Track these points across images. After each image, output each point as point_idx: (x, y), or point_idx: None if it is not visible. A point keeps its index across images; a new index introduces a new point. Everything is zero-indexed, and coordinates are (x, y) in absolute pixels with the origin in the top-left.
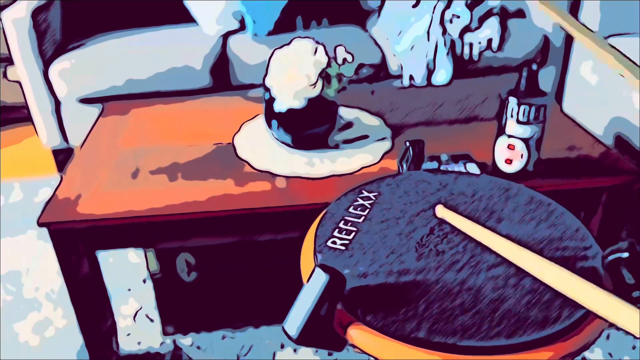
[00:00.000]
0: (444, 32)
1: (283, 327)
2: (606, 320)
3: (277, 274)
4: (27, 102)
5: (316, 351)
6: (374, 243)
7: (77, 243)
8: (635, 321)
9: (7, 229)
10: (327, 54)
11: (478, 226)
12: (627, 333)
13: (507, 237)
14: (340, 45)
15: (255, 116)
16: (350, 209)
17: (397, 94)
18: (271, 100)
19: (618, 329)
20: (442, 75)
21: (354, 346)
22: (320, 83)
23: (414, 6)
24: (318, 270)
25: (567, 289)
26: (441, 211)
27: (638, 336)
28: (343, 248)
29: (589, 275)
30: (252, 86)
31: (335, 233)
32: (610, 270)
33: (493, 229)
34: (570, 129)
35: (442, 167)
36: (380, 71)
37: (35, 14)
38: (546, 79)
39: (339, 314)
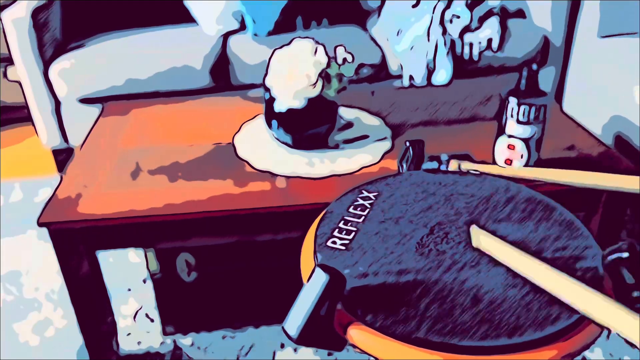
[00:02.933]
0: (444, 32)
1: (283, 327)
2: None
3: (277, 274)
4: (27, 102)
5: (316, 351)
6: (374, 243)
7: (77, 243)
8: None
9: (7, 229)
10: (327, 54)
11: (521, 255)
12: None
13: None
14: (340, 45)
15: (255, 116)
16: (350, 209)
17: (397, 94)
18: (271, 100)
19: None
20: (442, 75)
21: (354, 346)
22: (320, 83)
23: (414, 6)
24: (318, 270)
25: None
26: (478, 239)
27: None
28: (343, 248)
29: (590, 276)
30: (252, 86)
31: (335, 233)
32: (610, 270)
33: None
34: (570, 129)
35: (442, 167)
36: (380, 71)
37: (35, 14)
38: (546, 79)
39: (339, 314)
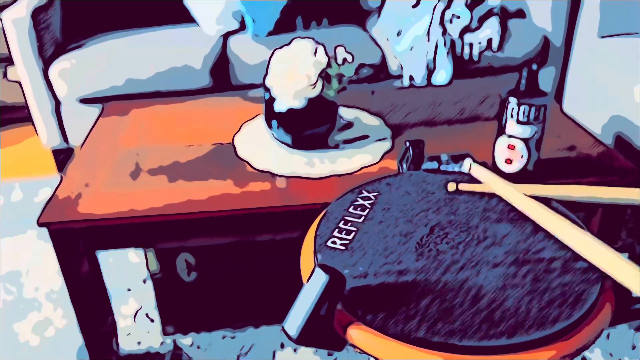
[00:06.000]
0: (444, 32)
1: (283, 327)
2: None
3: (277, 274)
4: (27, 102)
5: (316, 351)
6: (374, 243)
7: (77, 243)
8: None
9: (7, 229)
10: (327, 54)
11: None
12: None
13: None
14: (340, 45)
15: (255, 116)
16: (350, 209)
17: (397, 94)
18: (271, 100)
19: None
20: (442, 75)
21: (354, 346)
22: (320, 83)
23: (414, 6)
24: (318, 270)
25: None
26: (467, 165)
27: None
28: (343, 248)
29: (590, 277)
30: (252, 86)
31: (335, 233)
32: None
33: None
34: (570, 129)
35: (442, 167)
36: (380, 71)
37: (35, 14)
38: (546, 79)
39: (339, 314)
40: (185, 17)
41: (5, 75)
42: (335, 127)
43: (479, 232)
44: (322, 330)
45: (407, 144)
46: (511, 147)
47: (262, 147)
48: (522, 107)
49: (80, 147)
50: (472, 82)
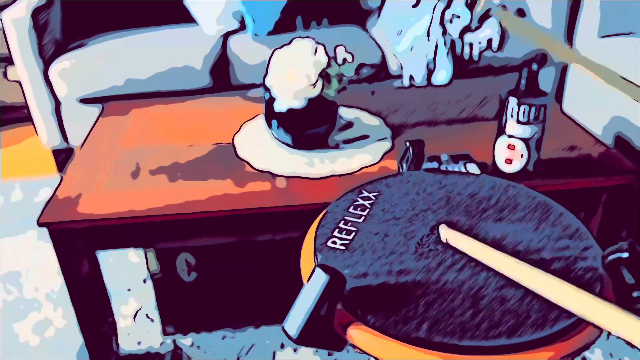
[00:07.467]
0: (444, 32)
1: (283, 327)
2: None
3: (277, 274)
4: (27, 102)
5: (316, 351)
6: (374, 243)
7: (77, 243)
8: (636, 330)
9: (7, 229)
10: (327, 54)
11: (486, 247)
12: (630, 345)
13: (514, 253)
14: (340, 45)
15: (255, 116)
16: (350, 209)
17: (397, 94)
18: (271, 100)
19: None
20: (442, 75)
21: (354, 346)
22: (320, 83)
23: (414, 6)
24: (318, 270)
25: (580, 310)
26: (446, 232)
27: (638, 346)
28: (343, 248)
29: (590, 277)
30: (252, 86)
31: (335, 233)
32: (610, 270)
33: (500, 247)
34: (570, 129)
35: (442, 167)
36: (380, 71)
37: (35, 13)
38: (546, 79)
39: (339, 314)
40: (185, 17)
41: (5, 75)
42: (335, 127)
43: (479, 231)
44: (322, 330)
45: (407, 144)
46: (511, 147)
47: (262, 147)
48: (522, 107)
49: (80, 147)
50: (472, 82)
